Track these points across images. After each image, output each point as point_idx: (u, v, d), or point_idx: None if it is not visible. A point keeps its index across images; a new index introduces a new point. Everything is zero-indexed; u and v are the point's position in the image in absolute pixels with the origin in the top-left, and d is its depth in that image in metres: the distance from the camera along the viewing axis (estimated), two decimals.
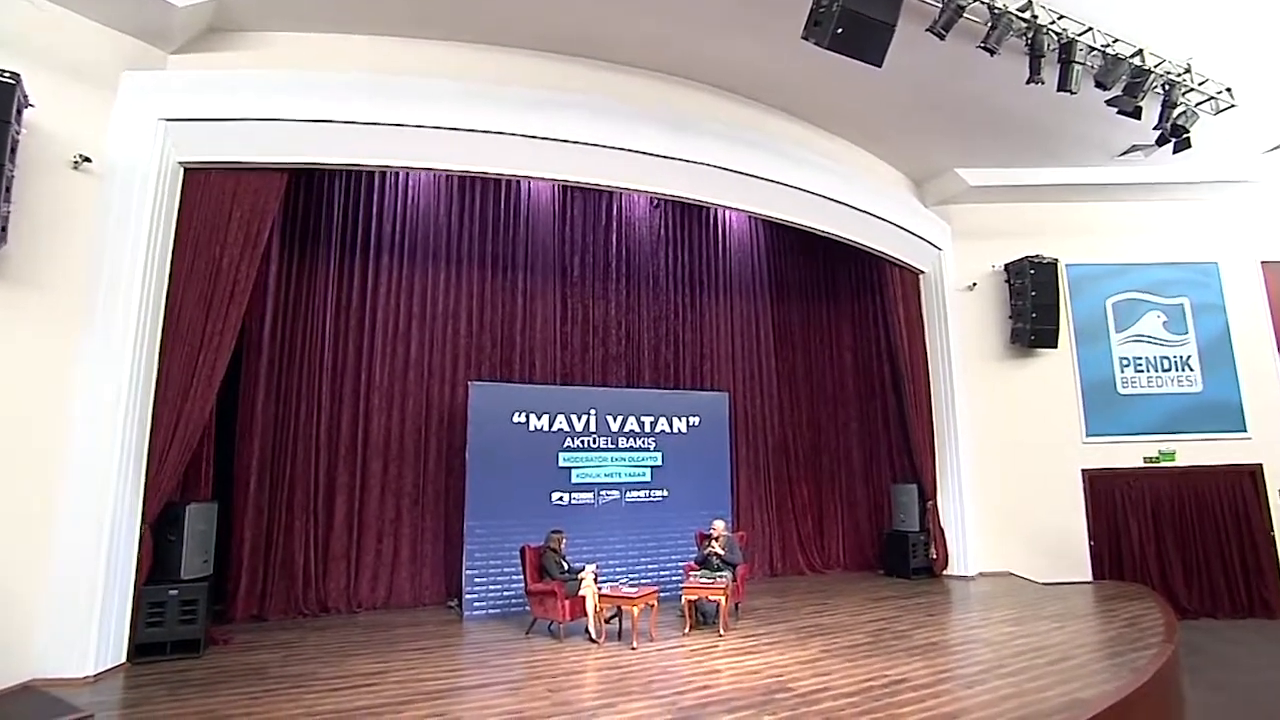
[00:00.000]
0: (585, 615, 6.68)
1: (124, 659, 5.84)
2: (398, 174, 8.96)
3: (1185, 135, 7.43)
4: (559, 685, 5.29)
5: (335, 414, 8.35)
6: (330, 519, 8.16)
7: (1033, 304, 10.09)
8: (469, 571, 7.80)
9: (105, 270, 5.95)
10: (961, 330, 10.54)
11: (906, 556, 9.81)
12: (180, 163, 6.44)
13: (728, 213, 11.03)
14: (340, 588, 8.08)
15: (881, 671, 5.43)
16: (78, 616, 5.53)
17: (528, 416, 8.36)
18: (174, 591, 6.15)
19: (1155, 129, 7.50)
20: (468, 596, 7.77)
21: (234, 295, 6.55)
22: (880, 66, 5.87)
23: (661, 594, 8.35)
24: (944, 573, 9.86)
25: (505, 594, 7.83)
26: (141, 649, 5.97)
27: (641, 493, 8.92)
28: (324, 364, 8.34)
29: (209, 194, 6.56)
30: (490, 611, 7.80)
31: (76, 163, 5.86)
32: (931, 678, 5.24)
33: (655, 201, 10.52)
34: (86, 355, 5.84)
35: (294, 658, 6.14)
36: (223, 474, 7.76)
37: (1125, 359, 10.43)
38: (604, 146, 7.62)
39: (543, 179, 8.57)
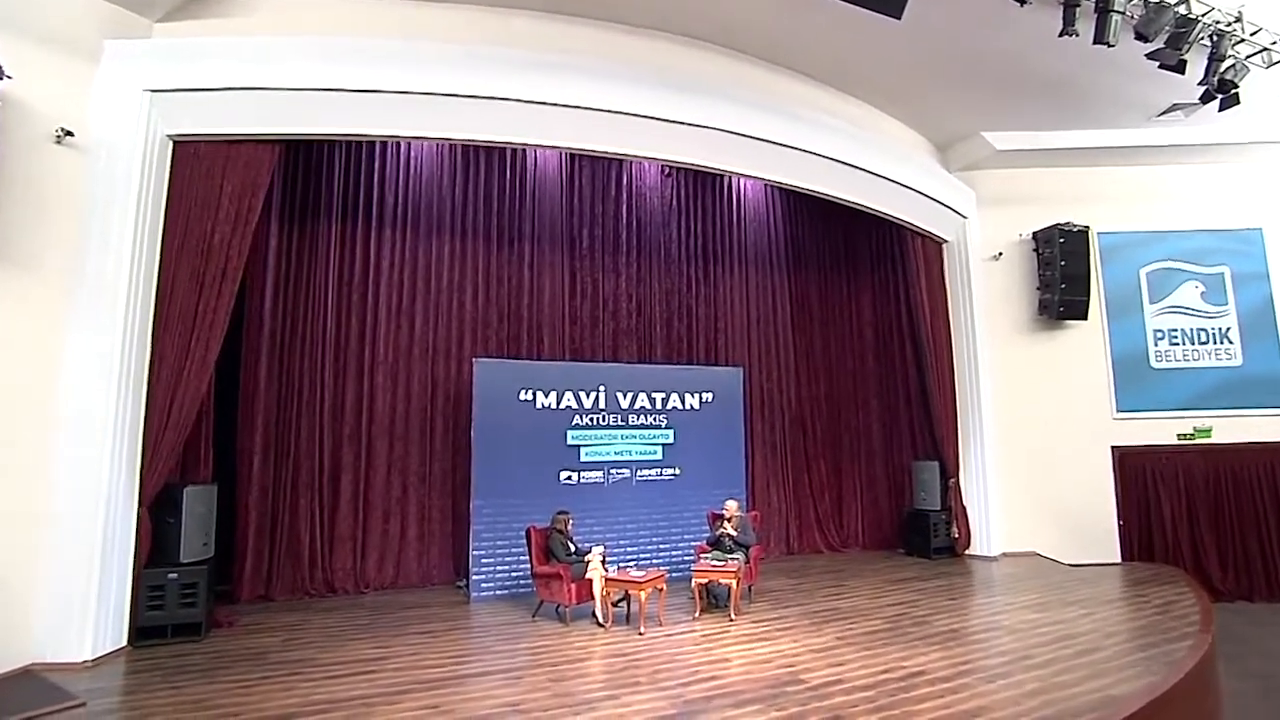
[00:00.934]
0: (592, 598, 6.50)
1: (125, 642, 5.78)
2: (399, 144, 8.67)
3: (1233, 91, 6.91)
4: (561, 674, 5.12)
5: (339, 391, 8.19)
6: (336, 498, 8.03)
7: (1062, 274, 9.64)
8: (476, 552, 7.65)
9: (93, 248, 5.78)
10: (986, 301, 10.13)
11: (927, 536, 9.53)
12: (168, 135, 6.21)
13: (742, 181, 10.66)
14: (347, 568, 7.97)
15: (898, 662, 5.18)
16: (74, 601, 5.46)
17: (534, 394, 8.14)
18: (173, 575, 6.05)
19: (1200, 84, 6.98)
20: (475, 577, 7.63)
21: (226, 272, 6.35)
22: (899, 19, 5.49)
23: (673, 574, 8.21)
24: (966, 553, 9.58)
25: (513, 575, 7.68)
26: (143, 632, 5.90)
27: (653, 471, 8.71)
28: (327, 340, 8.15)
29: (199, 168, 6.33)
30: (498, 593, 7.66)
31: (59, 137, 5.64)
32: (951, 670, 4.99)
33: (667, 170, 10.16)
34: (76, 336, 5.69)
35: (295, 641, 6.03)
36: (225, 453, 7.66)
37: (1160, 331, 9.96)
38: (612, 112, 7.28)
39: (549, 147, 8.28)
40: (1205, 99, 7.19)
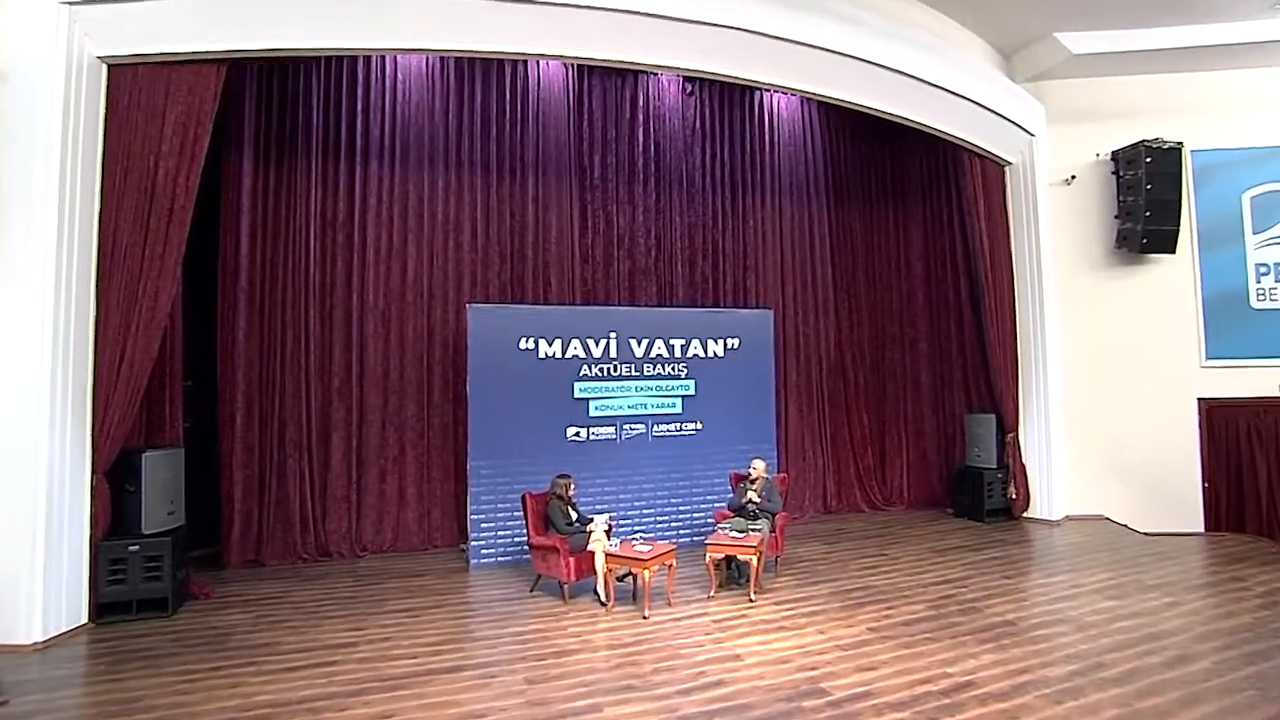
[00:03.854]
0: (594, 572, 5.80)
1: (85, 620, 5.36)
2: (383, 63, 7.78)
3: None
4: (544, 672, 4.42)
5: (326, 342, 7.53)
6: (327, 457, 7.47)
7: (1147, 199, 8.30)
8: (474, 516, 7.05)
9: (14, 189, 5.12)
10: (1055, 233, 8.90)
11: (981, 496, 8.58)
12: (99, 58, 5.42)
13: (775, 98, 9.47)
14: (342, 531, 7.46)
15: (941, 667, 4.34)
16: (19, 579, 4.99)
17: (536, 342, 7.33)
18: (134, 547, 5.54)
19: None
20: (474, 543, 7.04)
21: (174, 212, 5.62)
22: None
23: (695, 538, 7.56)
24: (1024, 515, 8.62)
25: (516, 540, 7.03)
26: (106, 608, 5.48)
27: (672, 426, 7.89)
28: (310, 287, 7.46)
29: (137, 94, 5.56)
30: (500, 559, 7.07)
31: None
32: (1006, 681, 4.12)
33: (688, 88, 9.03)
34: (2, 291, 5.06)
35: (265, 620, 5.51)
36: (207, 411, 7.17)
37: (1264, 265, 8.56)
38: (624, 12, 6.17)
39: (551, 56, 7.14)
40: None
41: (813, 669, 4.37)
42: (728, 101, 9.27)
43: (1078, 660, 4.39)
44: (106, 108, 5.50)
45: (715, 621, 5.30)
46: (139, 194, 5.52)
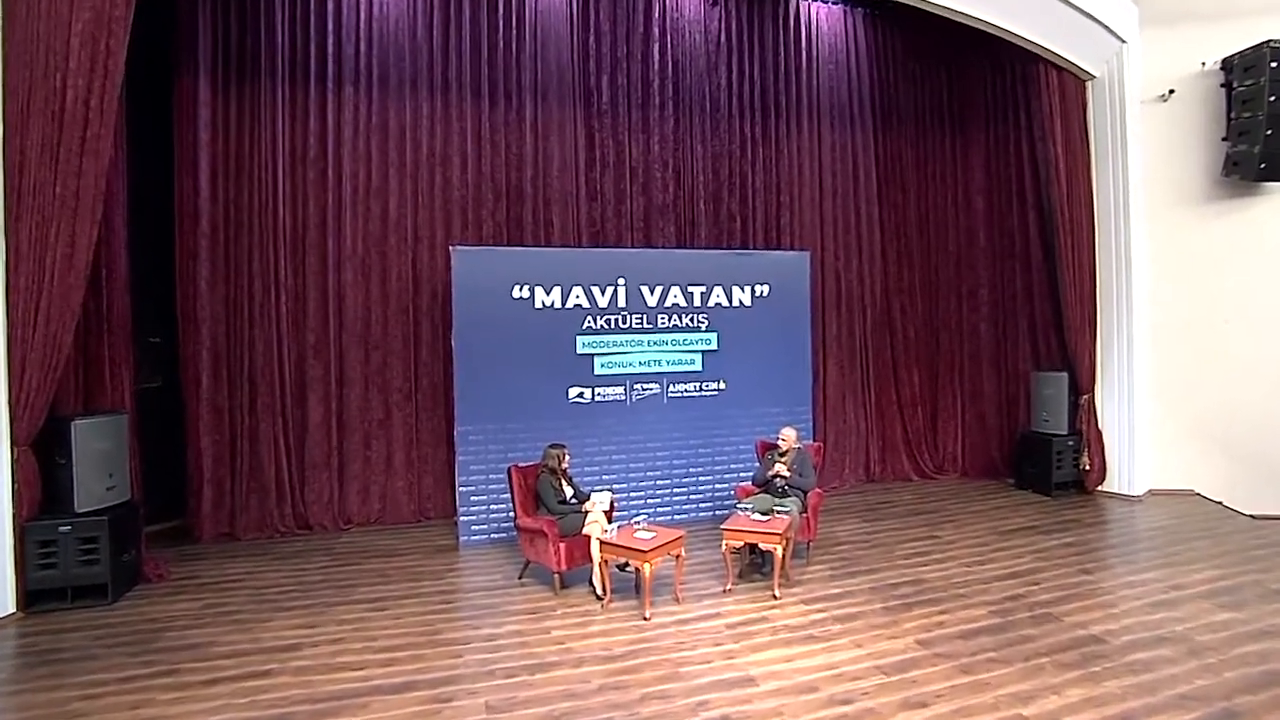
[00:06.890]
0: (590, 561, 4.95)
1: (13, 608, 4.75)
2: None
3: None
4: (510, 696, 3.59)
5: (299, 292, 6.74)
6: (304, 420, 6.74)
7: (1270, 114, 6.86)
8: (463, 489, 6.27)
9: None
10: (1146, 160, 7.53)
11: (1048, 466, 7.48)
12: None
13: (813, 6, 8.18)
14: (323, 501, 6.76)
15: (1012, 705, 3.37)
16: None
17: (532, 289, 6.41)
18: (66, 528, 4.86)
19: None
20: (464, 519, 6.27)
21: (87, 141, 4.77)
22: None
23: (717, 511, 6.71)
24: (1098, 489, 7.50)
25: (510, 515, 6.16)
26: (38, 595, 4.86)
27: (690, 385, 6.94)
28: (280, 231, 6.65)
29: (37, 0, 4.66)
30: (493, 537, 6.30)
31: None
32: None
33: None
34: None
35: (212, 610, 4.83)
36: (169, 371, 6.48)
37: None
38: None
39: None
40: None
41: (845, 703, 3.44)
42: (758, 11, 8.01)
43: (1197, 703, 3.35)
44: (3, 18, 4.66)
45: (729, 626, 4.41)
46: (45, 120, 4.68)
